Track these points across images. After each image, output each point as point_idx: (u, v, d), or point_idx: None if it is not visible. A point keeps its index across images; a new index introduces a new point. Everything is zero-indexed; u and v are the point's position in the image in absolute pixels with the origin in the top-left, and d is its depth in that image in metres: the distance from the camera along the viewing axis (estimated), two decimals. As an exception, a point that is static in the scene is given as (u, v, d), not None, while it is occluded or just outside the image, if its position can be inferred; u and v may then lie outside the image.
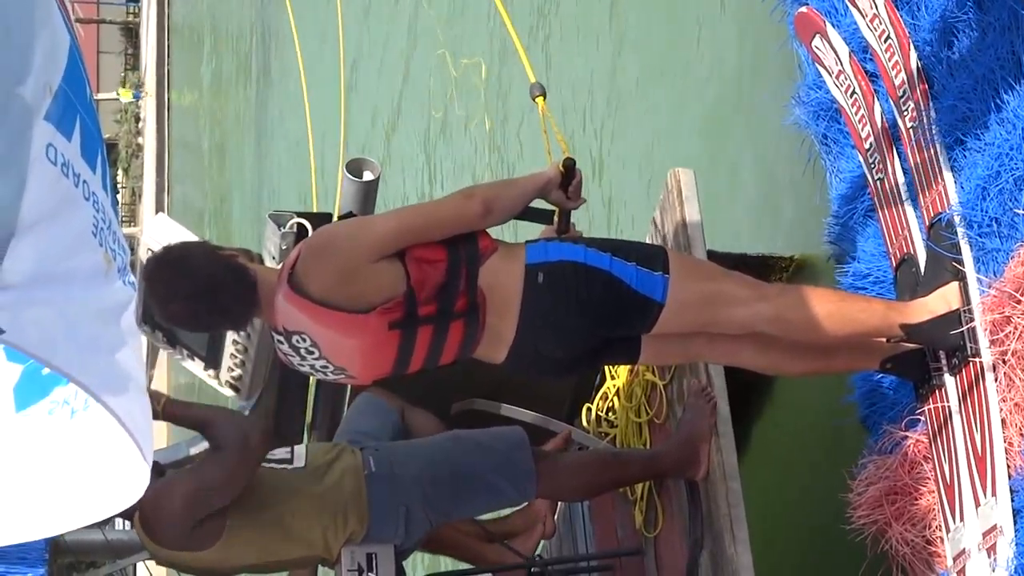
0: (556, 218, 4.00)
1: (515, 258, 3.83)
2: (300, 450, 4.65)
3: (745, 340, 4.06)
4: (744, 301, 3.91)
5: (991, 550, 3.69)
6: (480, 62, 10.65)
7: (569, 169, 3.87)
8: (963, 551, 3.82)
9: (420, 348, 3.79)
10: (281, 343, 3.80)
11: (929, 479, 4.08)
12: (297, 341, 3.75)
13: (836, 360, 4.20)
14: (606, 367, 5.29)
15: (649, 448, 4.93)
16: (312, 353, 3.76)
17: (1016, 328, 3.76)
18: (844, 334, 4.00)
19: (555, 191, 3.90)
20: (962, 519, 3.86)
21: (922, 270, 4.21)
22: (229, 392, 5.39)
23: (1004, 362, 3.80)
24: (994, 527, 3.69)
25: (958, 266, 4.01)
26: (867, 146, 4.70)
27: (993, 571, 3.65)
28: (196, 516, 4.31)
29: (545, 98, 4.22)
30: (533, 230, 4.09)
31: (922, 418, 4.16)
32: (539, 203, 3.94)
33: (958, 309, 3.96)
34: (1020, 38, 4.01)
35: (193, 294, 3.68)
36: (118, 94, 37.21)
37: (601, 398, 5.36)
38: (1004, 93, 4.03)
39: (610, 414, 5.32)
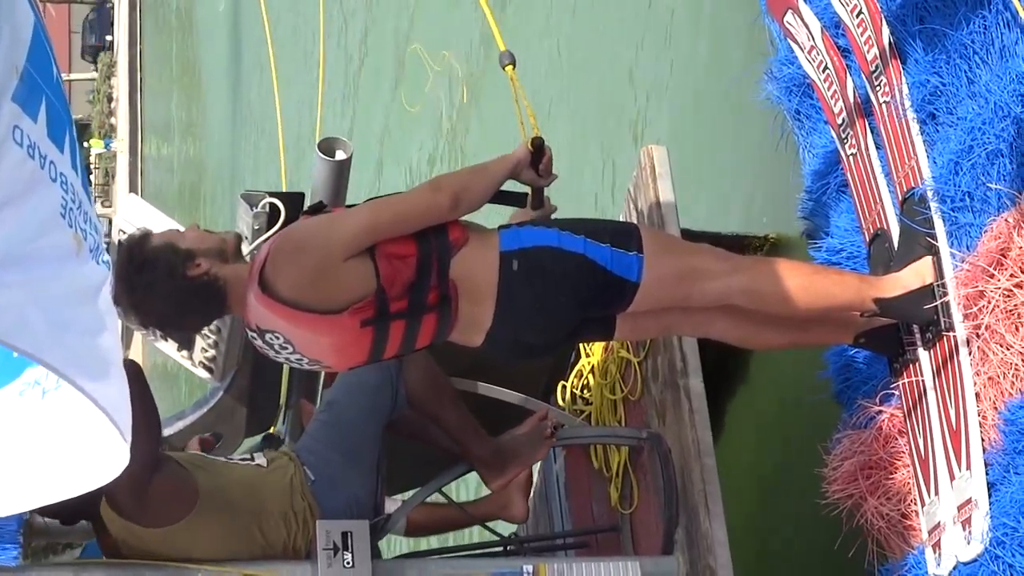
0: (530, 196, 3.99)
1: (488, 246, 3.82)
2: (259, 456, 4.58)
3: (718, 312, 4.06)
4: (718, 274, 3.92)
5: (966, 523, 3.70)
6: (449, 60, 10.59)
7: (538, 147, 3.85)
8: (938, 524, 3.83)
9: (393, 341, 3.79)
10: (255, 338, 3.81)
11: (904, 453, 4.09)
12: (270, 339, 3.75)
13: (809, 334, 4.21)
14: (581, 345, 5.29)
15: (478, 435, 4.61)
16: (286, 348, 3.76)
17: (990, 302, 3.77)
18: (818, 307, 4.00)
19: (526, 171, 3.87)
20: (937, 493, 3.87)
21: (895, 245, 4.22)
22: (203, 373, 5.37)
23: (978, 336, 3.81)
24: (969, 500, 3.71)
25: (931, 241, 4.02)
26: (839, 121, 4.70)
27: (968, 544, 3.67)
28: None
29: (515, 67, 4.13)
30: (504, 211, 4.07)
31: (896, 393, 4.18)
32: (511, 185, 3.92)
33: (932, 284, 3.97)
34: (992, 12, 4.01)
35: (161, 314, 3.77)
36: (88, 144, 36.83)
37: (576, 376, 5.36)
38: (976, 67, 4.03)
39: (585, 392, 5.32)
